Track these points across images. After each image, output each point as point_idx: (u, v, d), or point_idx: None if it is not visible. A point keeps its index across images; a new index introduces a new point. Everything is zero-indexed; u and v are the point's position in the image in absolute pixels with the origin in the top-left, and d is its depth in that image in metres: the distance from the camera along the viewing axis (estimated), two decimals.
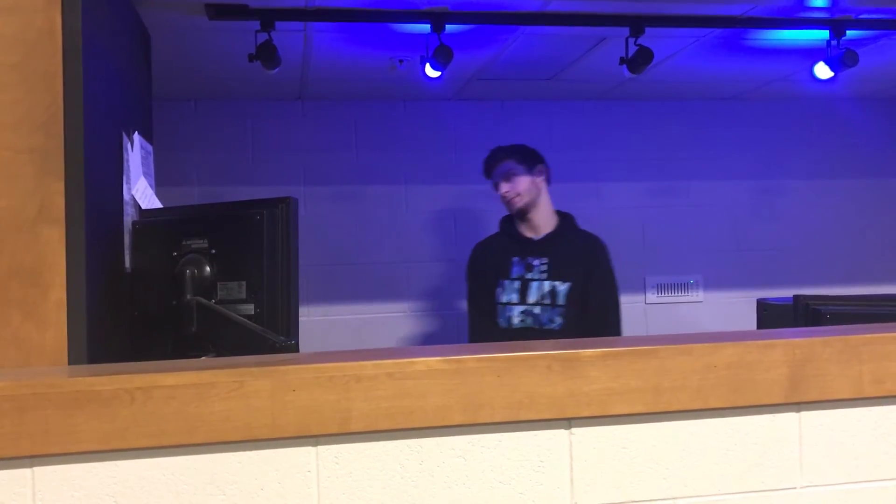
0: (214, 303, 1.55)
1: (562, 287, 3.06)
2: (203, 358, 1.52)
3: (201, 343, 1.57)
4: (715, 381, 1.10)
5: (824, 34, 3.11)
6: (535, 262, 3.09)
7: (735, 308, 4.44)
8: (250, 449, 0.98)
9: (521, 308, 3.07)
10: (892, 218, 4.70)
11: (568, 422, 1.07)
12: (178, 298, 1.57)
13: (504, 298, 3.08)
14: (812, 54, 3.36)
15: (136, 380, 0.95)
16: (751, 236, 4.58)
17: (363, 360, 1.01)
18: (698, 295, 4.54)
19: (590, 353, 1.07)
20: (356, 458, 1.00)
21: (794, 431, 1.15)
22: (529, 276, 3.08)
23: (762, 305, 2.46)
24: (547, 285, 3.06)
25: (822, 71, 3.29)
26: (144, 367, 1.05)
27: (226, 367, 0.99)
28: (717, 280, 4.53)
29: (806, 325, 1.92)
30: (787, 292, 2.90)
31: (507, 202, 3.14)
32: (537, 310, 3.06)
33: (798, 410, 1.15)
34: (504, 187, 3.13)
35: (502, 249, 3.15)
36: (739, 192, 4.58)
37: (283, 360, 1.04)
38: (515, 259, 3.11)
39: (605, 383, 1.07)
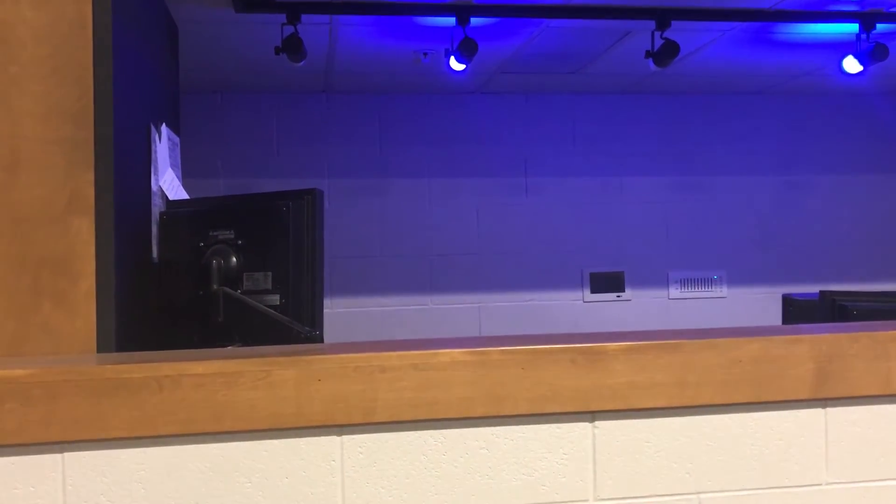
0: (240, 293, 1.57)
1: None
2: (229, 347, 1.54)
3: (227, 332, 1.59)
4: (740, 375, 1.10)
5: (854, 27, 3.08)
6: None
7: (759, 304, 4.41)
8: (276, 437, 0.99)
9: None
10: None
11: (591, 415, 1.07)
12: (205, 288, 1.59)
13: None
14: (841, 48, 3.33)
15: (164, 368, 0.96)
16: (775, 232, 4.54)
17: (388, 351, 1.02)
18: (722, 290, 4.51)
19: (614, 346, 1.07)
20: (380, 448, 1.01)
21: (819, 428, 1.14)
22: None
23: (788, 301, 2.44)
24: None
25: (851, 65, 3.25)
26: (173, 355, 1.06)
27: (253, 357, 1.00)
28: (741, 276, 4.50)
29: (832, 321, 1.91)
30: (812, 288, 2.88)
31: None
32: None
33: (824, 406, 1.14)
34: None
35: None
36: (764, 188, 4.54)
37: (309, 350, 1.05)
38: None
39: (629, 377, 1.07)
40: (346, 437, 1.01)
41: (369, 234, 4.24)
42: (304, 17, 2.76)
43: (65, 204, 1.26)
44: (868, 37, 3.08)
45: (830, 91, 4.38)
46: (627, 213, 4.44)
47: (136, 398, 0.95)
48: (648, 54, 3.03)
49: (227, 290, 1.56)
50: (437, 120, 4.30)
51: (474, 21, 2.83)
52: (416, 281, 4.27)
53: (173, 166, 2.03)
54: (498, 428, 1.05)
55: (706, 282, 4.50)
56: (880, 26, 3.07)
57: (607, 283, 4.44)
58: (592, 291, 4.43)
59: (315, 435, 1.00)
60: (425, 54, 3.37)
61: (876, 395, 1.15)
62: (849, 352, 1.14)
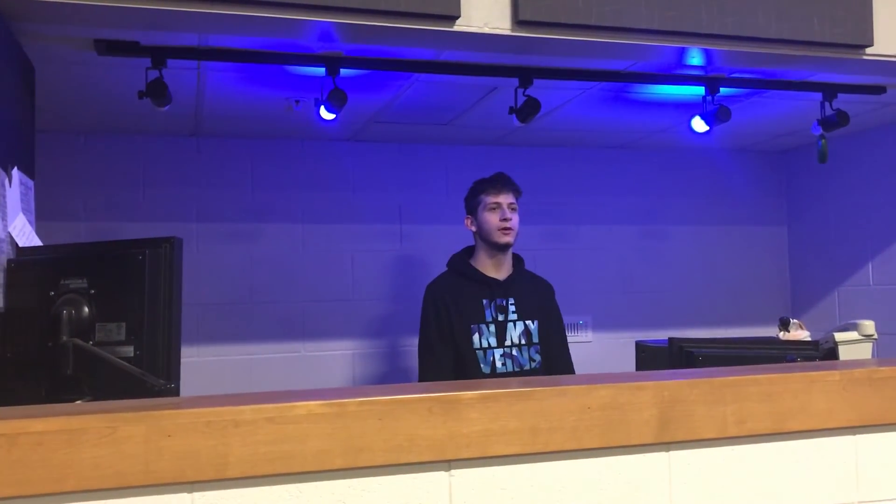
0: (92, 344, 1.51)
1: (533, 326, 3.09)
2: (77, 402, 1.47)
3: (77, 386, 1.52)
4: (589, 421, 1.15)
5: (700, 90, 3.30)
6: (506, 303, 3.08)
7: (622, 348, 4.59)
8: (122, 497, 0.96)
9: (501, 351, 3.03)
10: (760, 263, 4.99)
11: (447, 464, 1.09)
12: (54, 339, 1.51)
13: (482, 343, 3.03)
14: (689, 108, 3.56)
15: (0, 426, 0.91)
16: (635, 279, 4.77)
17: (242, 404, 1.01)
18: (587, 335, 4.68)
19: (469, 395, 1.10)
20: None
21: (663, 471, 1.20)
22: (502, 317, 3.06)
23: (640, 347, 2.56)
24: (521, 325, 3.08)
25: (699, 125, 3.48)
26: (11, 412, 1.01)
27: (98, 413, 0.96)
28: (604, 321, 4.68)
29: (680, 367, 2.02)
30: (669, 333, 3.04)
31: (504, 232, 3.08)
32: (515, 351, 3.05)
33: (667, 450, 1.21)
34: (511, 216, 3.09)
35: (468, 292, 3.08)
36: (626, 237, 4.77)
37: (159, 405, 1.02)
38: (485, 301, 3.06)
39: (484, 425, 1.10)
40: (196, 494, 0.98)
41: (240, 280, 4.14)
42: (171, 62, 2.71)
43: None
44: (713, 99, 3.31)
45: (684, 147, 4.68)
46: None
47: None
48: (512, 110, 3.14)
49: (78, 341, 1.50)
50: (310, 166, 4.29)
51: (344, 72, 2.87)
52: (288, 328, 4.20)
53: (25, 211, 1.94)
54: (355, 480, 1.05)
55: (573, 327, 4.65)
56: (724, 90, 3.32)
57: None
58: None
59: (164, 493, 0.97)
60: (297, 102, 3.37)
61: (714, 438, 1.23)
62: (689, 397, 1.21)
